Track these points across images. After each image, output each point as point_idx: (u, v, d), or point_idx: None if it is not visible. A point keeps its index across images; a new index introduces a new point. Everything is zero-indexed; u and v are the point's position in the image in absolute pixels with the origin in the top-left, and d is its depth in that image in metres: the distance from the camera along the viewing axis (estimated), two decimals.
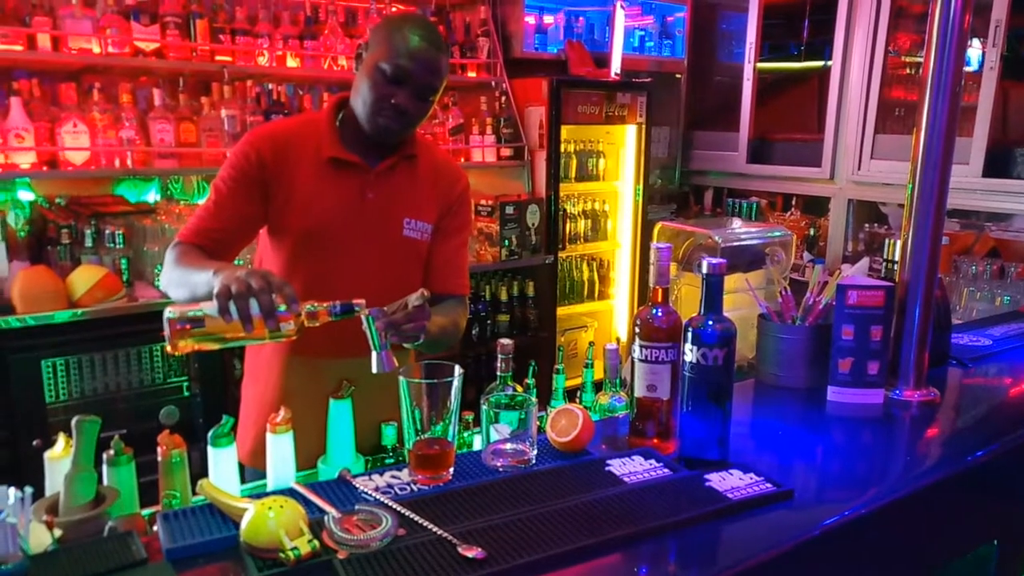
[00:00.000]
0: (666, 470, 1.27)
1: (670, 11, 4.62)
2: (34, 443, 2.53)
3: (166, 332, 1.23)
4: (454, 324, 1.65)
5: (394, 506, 1.12)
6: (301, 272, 1.59)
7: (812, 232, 4.24)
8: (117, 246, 2.80)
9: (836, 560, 1.21)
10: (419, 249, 1.68)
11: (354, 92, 1.58)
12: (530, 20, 3.98)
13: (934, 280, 1.67)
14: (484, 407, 1.32)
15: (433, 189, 1.69)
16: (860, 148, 3.89)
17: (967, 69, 3.29)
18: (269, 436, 1.27)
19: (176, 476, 1.19)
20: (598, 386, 1.70)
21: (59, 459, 1.15)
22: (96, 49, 2.84)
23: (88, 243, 2.77)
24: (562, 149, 3.83)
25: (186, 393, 2.88)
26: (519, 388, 1.39)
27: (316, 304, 1.28)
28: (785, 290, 1.80)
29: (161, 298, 2.70)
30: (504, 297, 3.80)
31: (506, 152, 3.81)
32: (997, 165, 3.35)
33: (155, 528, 1.10)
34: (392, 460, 1.46)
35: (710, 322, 1.30)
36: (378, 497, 1.17)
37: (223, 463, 1.24)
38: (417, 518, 1.09)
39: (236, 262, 1.63)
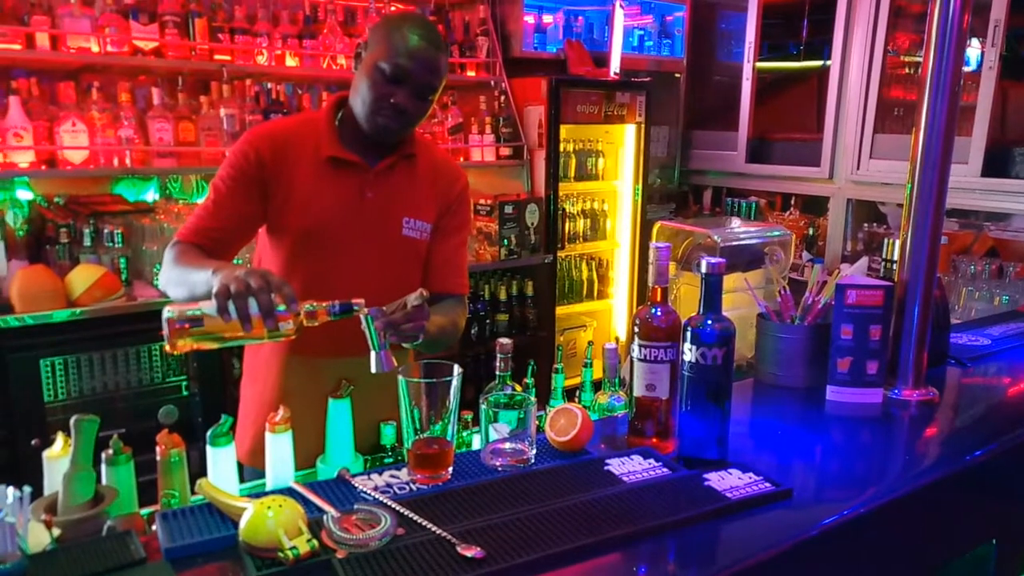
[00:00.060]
0: (665, 469, 1.27)
1: (669, 10, 4.62)
2: (33, 442, 2.52)
3: (165, 331, 1.23)
4: (453, 324, 1.65)
5: (393, 505, 1.12)
6: (300, 271, 1.59)
7: (811, 232, 4.24)
8: (116, 245, 2.79)
9: (835, 560, 1.21)
10: (418, 248, 1.68)
11: (353, 91, 1.58)
12: (529, 19, 3.98)
13: (933, 280, 1.67)
14: (483, 406, 1.32)
15: (432, 188, 1.69)
16: (859, 148, 3.89)
17: (966, 69, 3.29)
18: (268, 435, 1.27)
19: (175, 475, 1.19)
20: (597, 385, 1.70)
21: (58, 458, 1.15)
22: (95, 48, 2.84)
23: (87, 242, 2.77)
24: (561, 148, 3.83)
25: (185, 392, 2.88)
26: (518, 387, 1.39)
27: (315, 304, 1.28)
28: (784, 289, 1.80)
29: (160, 297, 2.70)
30: (503, 296, 3.80)
31: (505, 151, 3.81)
32: (996, 165, 3.35)
33: (154, 527, 1.10)
34: (391, 459, 1.46)
35: (709, 321, 1.30)
36: (377, 496, 1.17)
37: (222, 462, 1.24)
38: (416, 517, 1.09)
39: (235, 261, 1.63)
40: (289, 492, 1.20)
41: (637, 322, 1.35)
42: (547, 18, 4.12)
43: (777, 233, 2.82)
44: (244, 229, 1.62)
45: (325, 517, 1.06)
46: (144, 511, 1.18)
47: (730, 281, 1.65)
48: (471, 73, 3.84)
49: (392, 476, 1.27)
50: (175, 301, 1.40)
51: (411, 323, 1.36)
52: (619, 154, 4.20)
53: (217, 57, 3.09)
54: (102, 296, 2.64)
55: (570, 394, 1.70)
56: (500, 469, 1.29)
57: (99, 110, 2.80)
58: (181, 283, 1.44)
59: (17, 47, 2.71)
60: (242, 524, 1.02)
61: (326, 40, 3.35)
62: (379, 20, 1.61)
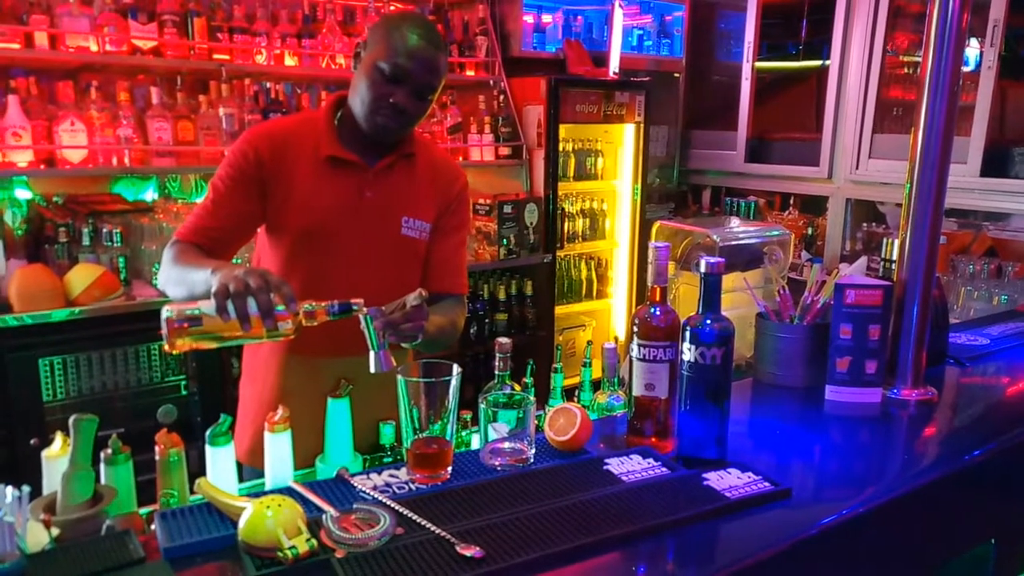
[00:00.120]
0: (664, 469, 1.27)
1: (668, 10, 4.62)
2: (31, 442, 2.53)
3: (164, 331, 1.23)
4: (452, 324, 1.65)
5: (392, 505, 1.12)
6: (299, 271, 1.59)
7: (810, 231, 4.24)
8: (115, 244, 2.79)
9: (834, 559, 1.21)
10: (417, 248, 1.68)
11: (352, 91, 1.58)
12: (528, 19, 3.97)
13: (932, 279, 1.67)
14: (482, 406, 1.32)
15: (431, 188, 1.69)
16: (858, 147, 3.89)
17: (965, 69, 3.29)
18: (267, 435, 1.27)
19: (174, 475, 1.19)
20: (596, 385, 1.70)
21: (56, 458, 1.15)
22: (94, 47, 2.83)
23: (85, 241, 2.76)
24: (560, 148, 3.83)
25: (184, 392, 2.88)
26: (517, 387, 1.39)
27: (314, 303, 1.28)
28: (783, 289, 1.80)
29: (159, 297, 2.70)
30: (502, 296, 3.80)
31: (504, 151, 3.81)
32: (995, 164, 3.35)
33: (153, 527, 1.10)
34: (390, 459, 1.46)
35: (708, 321, 1.30)
36: (376, 496, 1.17)
37: (221, 462, 1.23)
38: (415, 517, 1.09)
39: (234, 261, 1.63)
40: (288, 492, 1.20)
41: (636, 322, 1.35)
42: (546, 18, 4.12)
43: (776, 233, 2.82)
44: (243, 228, 1.62)
45: (324, 516, 1.06)
46: (143, 511, 1.17)
47: (729, 281, 1.65)
48: (470, 73, 3.84)
49: (391, 476, 1.27)
50: (174, 300, 1.40)
51: (410, 323, 1.36)
52: (618, 154, 4.20)
53: (216, 56, 3.09)
54: (101, 295, 2.64)
55: (569, 394, 1.70)
56: (499, 469, 1.29)
57: (98, 109, 2.80)
58: (180, 282, 1.44)
59: (16, 46, 2.71)
60: (241, 524, 1.02)
61: (325, 39, 3.34)
62: (378, 20, 1.61)
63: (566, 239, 4.01)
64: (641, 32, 4.56)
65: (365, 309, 1.31)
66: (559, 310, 4.04)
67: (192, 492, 1.19)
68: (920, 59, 1.63)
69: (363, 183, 1.61)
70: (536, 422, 1.37)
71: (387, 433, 1.48)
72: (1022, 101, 3.52)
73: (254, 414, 1.66)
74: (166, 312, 1.23)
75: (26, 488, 1.01)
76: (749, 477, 1.24)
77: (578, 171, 4.02)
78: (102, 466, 1.15)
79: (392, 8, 3.59)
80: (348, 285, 1.47)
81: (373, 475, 1.27)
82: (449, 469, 1.27)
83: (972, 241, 3.55)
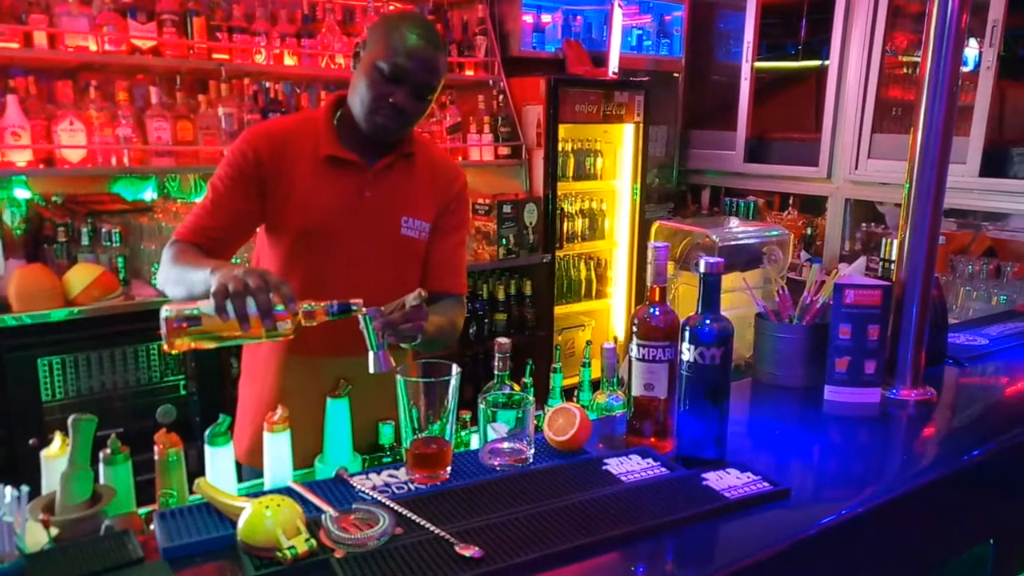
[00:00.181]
0: (663, 469, 1.27)
1: (668, 10, 4.62)
2: (30, 442, 2.53)
3: (163, 330, 1.23)
4: (451, 324, 1.65)
5: (391, 505, 1.12)
6: (299, 271, 1.59)
7: (809, 231, 4.24)
8: (114, 244, 2.79)
9: (833, 559, 1.21)
10: (417, 248, 1.68)
11: (352, 91, 1.58)
12: (528, 19, 3.97)
13: (931, 279, 1.68)
14: (481, 406, 1.32)
15: (431, 187, 1.69)
16: (857, 147, 3.89)
17: (964, 69, 3.30)
18: (266, 435, 1.27)
19: (173, 475, 1.19)
20: (595, 385, 1.70)
21: (55, 458, 1.15)
22: (93, 47, 2.83)
23: (84, 241, 2.76)
24: (560, 148, 3.83)
25: (183, 392, 2.88)
26: (516, 387, 1.39)
27: (313, 303, 1.28)
28: (782, 289, 1.80)
29: (158, 296, 2.69)
30: (501, 296, 3.80)
31: (504, 151, 3.81)
32: (994, 165, 3.35)
33: (152, 527, 1.10)
34: (389, 459, 1.46)
35: (707, 321, 1.30)
36: (375, 496, 1.17)
37: (220, 462, 1.23)
38: (414, 517, 1.09)
39: (233, 260, 1.63)
40: (287, 492, 1.19)
41: (635, 322, 1.35)
42: (546, 17, 4.12)
43: (775, 233, 2.82)
44: (242, 228, 1.62)
45: (323, 516, 1.06)
46: (142, 510, 1.17)
47: (728, 281, 1.65)
48: (469, 72, 3.83)
49: (390, 476, 1.27)
50: (173, 300, 1.40)
51: (409, 323, 1.36)
52: (617, 154, 4.20)
53: (215, 56, 3.09)
54: (100, 295, 2.64)
55: (568, 394, 1.70)
56: (498, 469, 1.29)
57: (97, 109, 2.80)
58: (179, 282, 1.44)
59: (15, 46, 2.70)
60: (240, 524, 1.02)
61: (324, 39, 3.34)
62: (378, 19, 1.61)
63: (565, 239, 4.01)
64: (640, 32, 4.56)
65: (364, 309, 1.31)
66: (558, 310, 4.04)
67: (191, 492, 1.19)
68: (919, 59, 1.64)
69: (362, 183, 1.61)
70: (535, 422, 1.37)
71: (386, 433, 1.48)
72: (1021, 101, 3.52)
73: (253, 414, 1.66)
74: (165, 312, 1.23)
75: (25, 488, 1.00)
76: (748, 477, 1.24)
77: (577, 171, 4.02)
78: (101, 466, 1.15)
79: (391, 8, 3.59)
80: (347, 285, 1.47)
81: (372, 475, 1.27)
82: (448, 469, 1.27)
83: (971, 241, 3.55)
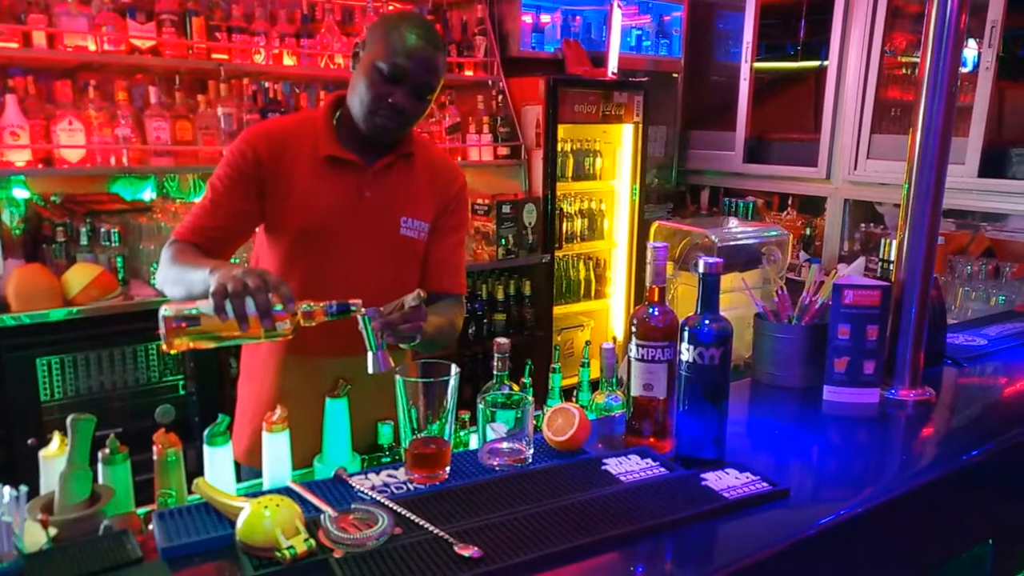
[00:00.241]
0: (662, 469, 1.27)
1: (667, 10, 4.62)
2: (29, 442, 2.53)
3: (161, 330, 1.22)
4: (450, 324, 1.65)
5: (390, 505, 1.12)
6: (298, 271, 1.59)
7: (808, 232, 4.24)
8: (112, 244, 2.79)
9: (832, 559, 1.21)
10: (416, 248, 1.68)
11: (351, 91, 1.58)
12: (527, 19, 3.97)
13: (930, 280, 1.68)
14: (480, 406, 1.32)
15: (430, 188, 1.69)
16: (856, 148, 3.89)
17: (963, 69, 3.30)
18: (265, 435, 1.27)
19: (172, 475, 1.19)
20: (594, 385, 1.70)
21: (54, 458, 1.15)
22: (92, 47, 2.83)
23: (83, 241, 2.76)
24: (559, 148, 3.83)
25: (182, 392, 2.87)
26: (515, 387, 1.39)
27: (312, 304, 1.28)
28: (781, 289, 1.80)
29: (157, 296, 2.69)
30: (501, 296, 3.80)
31: (503, 151, 3.81)
32: (992, 165, 3.36)
33: (150, 527, 1.10)
34: (388, 459, 1.46)
35: (707, 321, 1.30)
36: (374, 496, 1.17)
37: (219, 462, 1.23)
38: (413, 517, 1.09)
39: (232, 261, 1.63)
40: (286, 492, 1.19)
41: (635, 322, 1.35)
42: (545, 18, 4.12)
43: (774, 233, 2.82)
44: (242, 228, 1.62)
45: (322, 516, 1.06)
46: (141, 510, 1.17)
47: (727, 281, 1.65)
48: (469, 73, 3.83)
49: (389, 476, 1.27)
50: (172, 300, 1.40)
51: (408, 324, 1.36)
52: (617, 154, 4.21)
53: (214, 56, 3.09)
54: (99, 295, 2.64)
55: (567, 394, 1.70)
56: (497, 469, 1.29)
57: (96, 109, 2.80)
58: (178, 282, 1.43)
59: (14, 45, 2.70)
60: (239, 524, 1.02)
61: (324, 39, 3.34)
62: (377, 19, 1.61)
63: (564, 239, 4.01)
64: (640, 32, 4.57)
65: (363, 310, 1.31)
66: (557, 310, 4.04)
67: (190, 492, 1.19)
68: (918, 60, 1.64)
69: (362, 183, 1.61)
70: (534, 422, 1.37)
71: (385, 433, 1.48)
72: (1020, 102, 3.52)
73: (252, 414, 1.66)
74: (164, 312, 1.23)
75: (24, 488, 1.00)
76: (747, 477, 1.24)
77: (576, 171, 4.02)
78: (100, 466, 1.15)
79: (390, 8, 3.58)
80: (347, 285, 1.47)
81: (371, 475, 1.27)
82: (447, 469, 1.27)
83: (970, 242, 3.55)
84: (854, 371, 1.64)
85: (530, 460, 1.32)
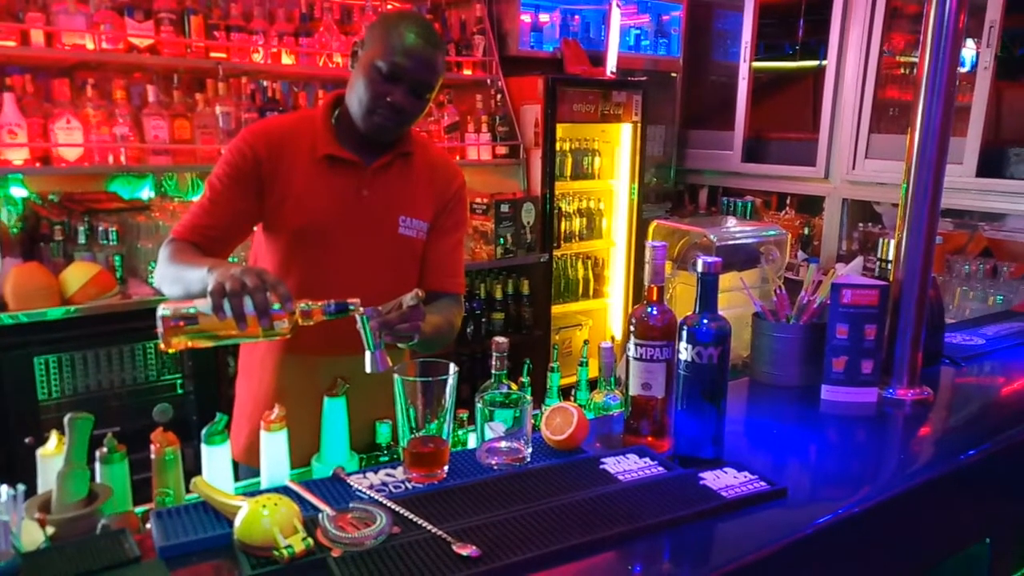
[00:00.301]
0: (660, 468, 1.27)
1: (666, 10, 4.62)
2: (26, 440, 2.52)
3: (159, 329, 1.22)
4: (449, 323, 1.65)
5: (388, 504, 1.12)
6: (296, 270, 1.58)
7: (806, 231, 4.25)
8: (110, 243, 2.78)
9: (830, 558, 1.21)
10: (415, 247, 1.68)
11: (350, 90, 1.58)
12: (526, 18, 3.97)
13: (928, 279, 1.68)
14: (479, 405, 1.32)
15: (429, 187, 1.69)
16: (855, 147, 3.89)
17: (961, 70, 3.30)
18: (263, 434, 1.27)
19: (169, 474, 1.18)
20: (593, 384, 1.70)
21: (52, 456, 1.14)
22: (90, 45, 2.82)
23: (81, 240, 2.76)
24: (557, 147, 3.83)
25: (180, 391, 2.87)
26: (514, 386, 1.39)
27: (310, 303, 1.28)
28: (780, 289, 1.80)
29: (155, 295, 2.69)
30: (499, 295, 3.80)
31: (501, 150, 3.81)
32: (991, 165, 3.36)
33: (148, 526, 1.09)
34: (386, 458, 1.46)
35: (705, 320, 1.31)
36: (372, 495, 1.17)
37: (217, 461, 1.23)
38: (411, 516, 1.09)
39: (231, 259, 1.63)
40: (284, 491, 1.19)
41: (633, 321, 1.35)
42: (543, 17, 4.12)
43: (773, 232, 2.83)
44: (240, 227, 1.62)
45: (320, 516, 1.06)
46: (138, 509, 1.17)
47: (726, 280, 1.65)
48: (467, 72, 3.83)
49: (387, 475, 1.27)
50: (170, 299, 1.40)
51: (406, 323, 1.36)
52: (615, 153, 4.21)
53: (213, 55, 3.08)
54: (97, 294, 2.63)
55: (566, 393, 1.71)
56: (496, 468, 1.29)
57: (94, 107, 2.79)
58: (176, 281, 1.43)
59: (12, 44, 2.70)
60: (237, 523, 1.01)
61: (322, 38, 3.34)
62: (376, 18, 1.61)
63: (563, 238, 4.01)
64: (638, 32, 4.57)
65: (361, 309, 1.30)
66: (556, 309, 4.04)
67: (188, 491, 1.19)
68: (917, 59, 1.64)
69: (360, 182, 1.61)
70: (533, 421, 1.37)
71: (383, 432, 1.48)
72: (1018, 102, 3.53)
73: (250, 413, 1.65)
74: (162, 311, 1.23)
75: (21, 487, 1.00)
76: (745, 476, 1.24)
77: (575, 170, 4.03)
78: (97, 465, 1.15)
79: (389, 7, 3.58)
80: (345, 284, 1.47)
81: (369, 474, 1.27)
82: (445, 468, 1.27)
83: (968, 241, 3.56)
84: (852, 370, 1.64)
85: (528, 459, 1.32)
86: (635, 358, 1.34)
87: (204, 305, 1.23)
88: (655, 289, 1.35)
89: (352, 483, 1.22)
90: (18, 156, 2.66)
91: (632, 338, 1.34)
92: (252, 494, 1.14)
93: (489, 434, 1.31)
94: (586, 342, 1.95)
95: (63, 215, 2.82)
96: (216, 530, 1.06)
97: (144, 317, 2.60)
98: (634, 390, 1.36)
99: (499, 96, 3.84)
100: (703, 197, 4.85)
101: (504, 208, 3.67)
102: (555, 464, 1.29)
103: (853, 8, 3.83)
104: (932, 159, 1.62)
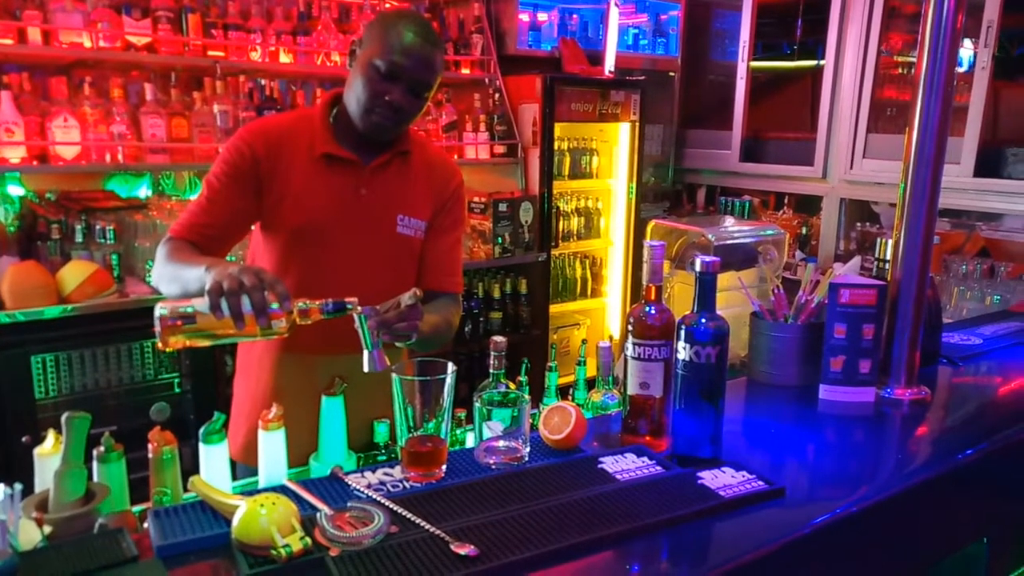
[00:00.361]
0: (659, 468, 1.27)
1: (664, 9, 4.62)
2: (24, 439, 2.52)
3: (157, 328, 1.22)
4: (447, 322, 1.65)
5: (386, 503, 1.12)
6: (294, 269, 1.58)
7: (804, 231, 4.25)
8: (108, 241, 2.78)
9: (828, 558, 1.22)
10: (413, 246, 1.68)
11: (348, 89, 1.57)
12: (524, 17, 3.97)
13: (926, 279, 1.68)
14: (477, 404, 1.32)
15: (427, 186, 1.69)
16: (852, 147, 3.90)
17: (959, 69, 3.31)
18: (261, 433, 1.26)
19: (167, 473, 1.18)
20: (591, 383, 1.70)
21: (49, 456, 1.14)
22: (87, 43, 2.82)
23: (78, 238, 2.75)
24: (555, 147, 3.83)
25: (177, 389, 2.87)
26: (512, 385, 1.39)
27: (308, 302, 1.27)
28: (778, 288, 1.81)
29: (152, 294, 2.69)
30: (497, 294, 3.80)
31: (499, 149, 3.81)
32: (988, 165, 3.37)
33: (146, 525, 1.09)
34: (384, 457, 1.46)
35: (703, 320, 1.31)
36: (370, 494, 1.17)
37: (214, 460, 1.23)
38: (409, 515, 1.09)
39: (229, 258, 1.62)
40: (282, 490, 1.19)
41: (631, 320, 1.35)
42: (542, 16, 4.12)
43: (771, 232, 2.83)
44: (238, 225, 1.61)
45: (318, 515, 1.06)
46: (136, 509, 1.17)
47: (724, 280, 1.65)
48: (465, 71, 3.83)
49: (385, 474, 1.27)
50: (168, 298, 1.40)
51: (404, 322, 1.36)
52: (613, 152, 4.21)
53: (210, 53, 3.08)
54: (94, 292, 2.63)
55: (564, 392, 1.71)
56: (494, 467, 1.29)
57: (91, 105, 2.79)
58: (174, 280, 1.43)
59: (8, 42, 2.69)
60: (235, 522, 1.01)
61: (320, 37, 3.33)
62: (374, 17, 1.61)
63: (561, 238, 4.01)
64: (637, 31, 4.56)
65: (359, 308, 1.30)
66: (554, 308, 4.04)
67: (185, 490, 1.18)
68: (914, 59, 1.64)
69: (358, 181, 1.61)
70: (531, 420, 1.37)
71: (381, 431, 1.48)
72: (1015, 102, 3.54)
73: (248, 412, 1.65)
74: (159, 310, 1.23)
75: (18, 486, 1.00)
76: (743, 476, 1.24)
77: (573, 170, 4.03)
78: (95, 464, 1.14)
79: (387, 6, 3.58)
80: (343, 283, 1.46)
81: (367, 473, 1.27)
82: (443, 467, 1.27)
83: (965, 241, 3.56)
84: (850, 370, 1.64)
85: (526, 458, 1.32)
86: (633, 357, 1.34)
87: (202, 304, 1.22)
88: (653, 288, 1.35)
89: (350, 482, 1.22)
90: (15, 154, 2.65)
91: (630, 337, 1.34)
92: (250, 493, 1.14)
93: (487, 433, 1.31)
94: (584, 341, 1.95)
95: (60, 214, 2.81)
96: (214, 529, 1.06)
97: (141, 316, 2.59)
98: (632, 389, 1.36)
99: (497, 95, 3.84)
100: (701, 197, 4.85)
101: (502, 207, 3.67)
102: (553, 463, 1.29)
103: (851, 8, 3.84)
104: (930, 159, 1.62)
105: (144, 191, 3.24)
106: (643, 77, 4.19)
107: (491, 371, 1.39)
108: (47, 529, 1.04)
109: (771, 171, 4.32)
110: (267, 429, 1.26)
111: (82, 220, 2.78)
